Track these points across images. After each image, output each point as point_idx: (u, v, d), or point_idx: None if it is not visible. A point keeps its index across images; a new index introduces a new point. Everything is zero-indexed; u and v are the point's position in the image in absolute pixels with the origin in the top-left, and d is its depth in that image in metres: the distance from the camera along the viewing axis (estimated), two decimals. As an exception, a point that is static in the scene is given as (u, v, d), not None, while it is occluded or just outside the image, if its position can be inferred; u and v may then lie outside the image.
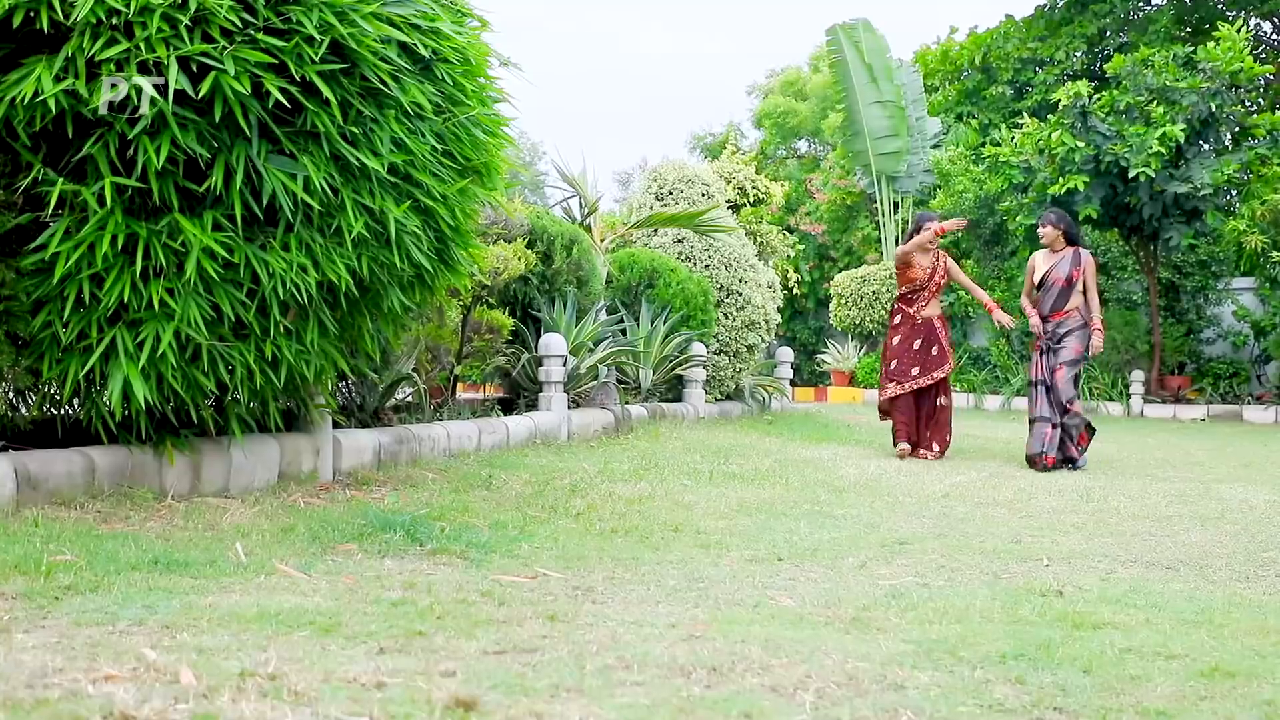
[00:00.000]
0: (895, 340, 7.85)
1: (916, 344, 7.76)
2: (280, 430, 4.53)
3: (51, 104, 3.33)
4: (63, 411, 4.27)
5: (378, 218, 3.92)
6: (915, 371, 7.73)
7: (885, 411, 7.98)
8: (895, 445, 7.74)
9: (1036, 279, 7.52)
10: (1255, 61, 13.71)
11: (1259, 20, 18.77)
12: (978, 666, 2.41)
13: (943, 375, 7.76)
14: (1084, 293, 7.38)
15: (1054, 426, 7.19)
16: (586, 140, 56.62)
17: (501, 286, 7.15)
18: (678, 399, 9.90)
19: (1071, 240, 7.46)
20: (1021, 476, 6.71)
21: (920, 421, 7.75)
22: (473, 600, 2.86)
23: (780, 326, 14.98)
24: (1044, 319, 7.42)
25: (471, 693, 2.03)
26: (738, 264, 10.80)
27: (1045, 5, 19.41)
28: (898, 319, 7.91)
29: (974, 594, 3.22)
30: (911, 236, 7.91)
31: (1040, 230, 7.53)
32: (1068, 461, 7.22)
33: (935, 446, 7.73)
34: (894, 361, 7.81)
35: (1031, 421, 7.34)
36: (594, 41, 65.60)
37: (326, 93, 3.62)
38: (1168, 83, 13.45)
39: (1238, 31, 13.56)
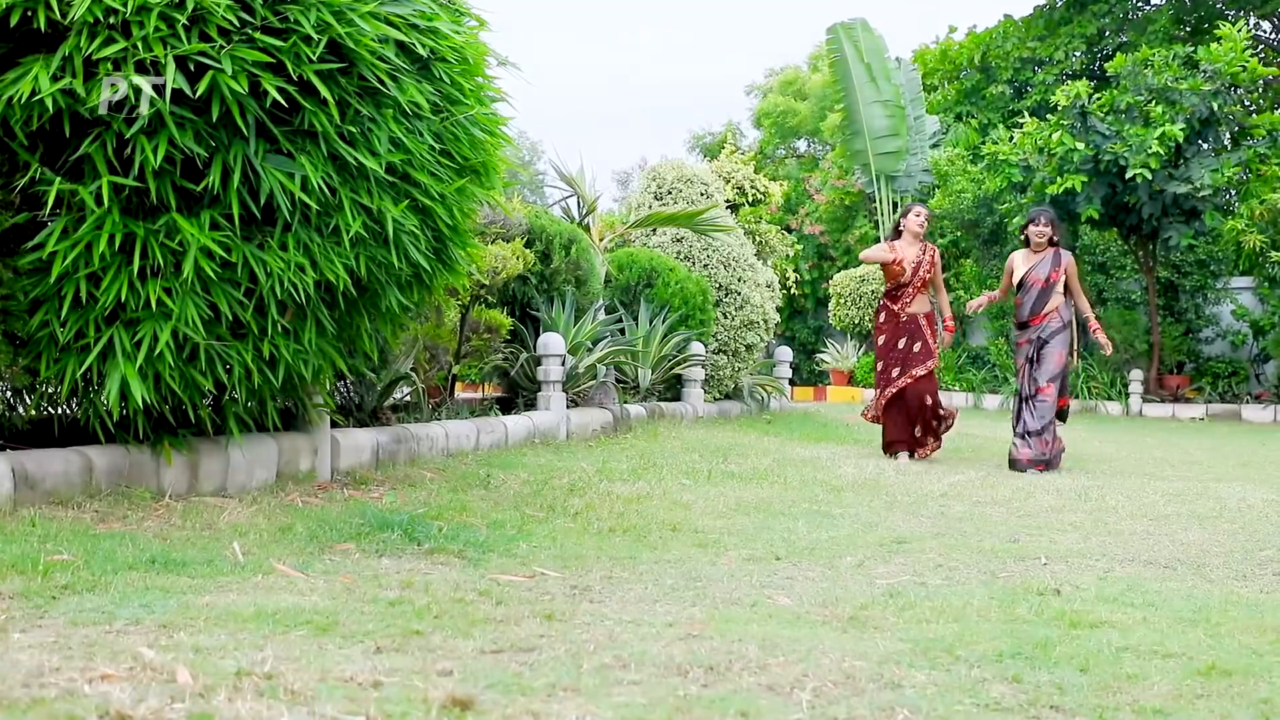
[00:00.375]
0: (881, 340, 7.56)
1: (901, 343, 7.45)
2: (278, 430, 4.53)
3: (49, 103, 3.33)
4: (60, 411, 4.27)
5: (375, 217, 3.92)
6: (896, 373, 7.45)
7: (876, 419, 7.73)
8: (893, 457, 7.46)
9: (1015, 280, 7.33)
10: (1258, 62, 13.70)
11: (1258, 20, 18.79)
12: (974, 665, 2.41)
13: (923, 372, 7.40)
14: (1065, 293, 7.22)
15: (1038, 437, 7.06)
16: (586, 140, 56.66)
17: (500, 286, 7.15)
18: (676, 398, 9.90)
19: (1052, 240, 7.30)
20: (1019, 476, 6.71)
21: (912, 423, 7.47)
22: (470, 599, 2.86)
23: (779, 326, 14.99)
24: (1025, 324, 7.25)
25: (468, 692, 2.03)
26: (736, 263, 10.80)
27: (1044, 5, 19.43)
28: (882, 317, 7.59)
29: (971, 593, 3.22)
30: (898, 224, 7.65)
31: (1036, 229, 7.28)
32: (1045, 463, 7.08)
33: (929, 442, 7.53)
34: (880, 364, 7.56)
35: (1023, 435, 7.13)
36: (593, 41, 65.64)
37: (324, 92, 3.62)
38: (1168, 83, 13.46)
39: (1239, 32, 13.57)
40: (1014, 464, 7.06)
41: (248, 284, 3.71)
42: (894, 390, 7.44)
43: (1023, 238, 7.46)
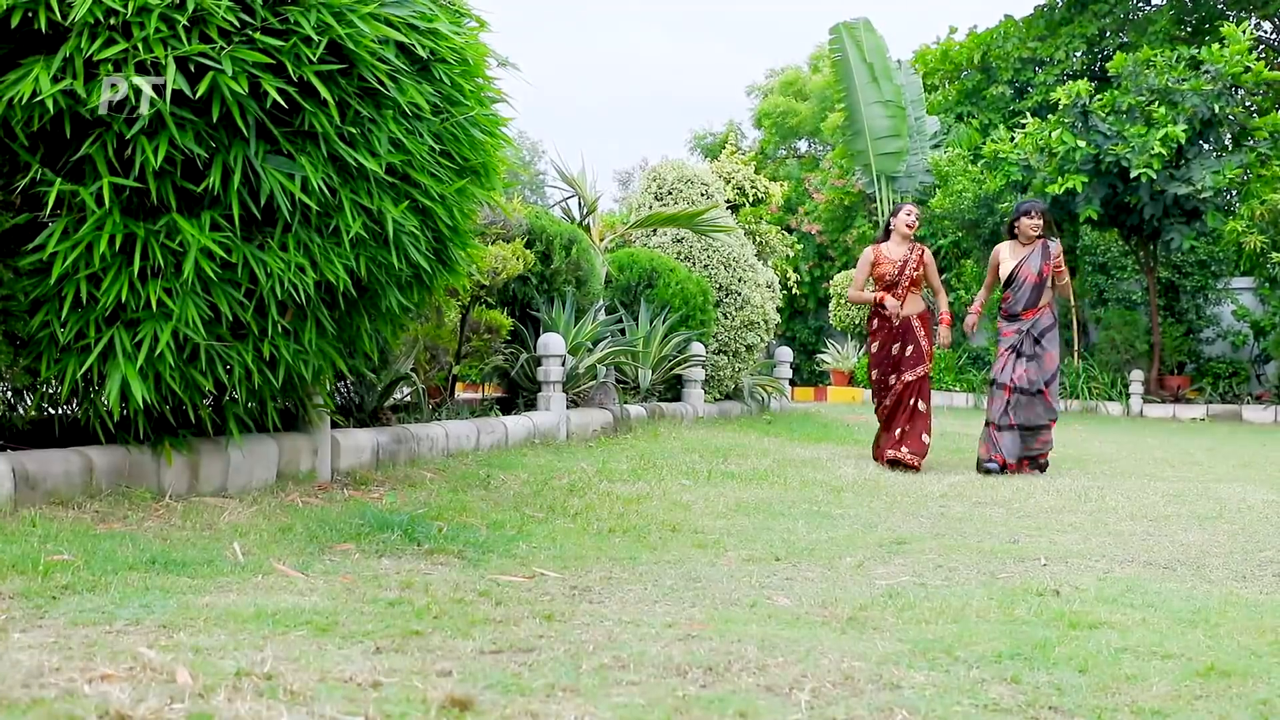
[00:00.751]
0: (874, 346, 7.19)
1: (894, 348, 7.08)
2: (278, 430, 4.53)
3: (50, 104, 3.33)
4: (61, 411, 4.28)
5: (375, 218, 3.93)
6: (893, 380, 7.09)
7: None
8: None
9: (1003, 274, 7.02)
10: (1262, 64, 13.69)
11: (1259, 21, 18.79)
12: (973, 666, 2.41)
13: (914, 377, 7.02)
14: (1052, 287, 6.98)
15: (1030, 433, 6.86)
16: (586, 140, 56.71)
17: (500, 286, 7.15)
18: (677, 399, 9.90)
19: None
20: (1019, 476, 6.71)
21: (897, 424, 7.06)
22: (469, 600, 2.86)
23: (779, 326, 14.99)
24: (1015, 316, 6.97)
25: (467, 692, 2.03)
26: (737, 264, 10.81)
27: (1045, 5, 19.42)
28: (875, 322, 7.19)
29: (970, 594, 3.22)
30: (889, 223, 7.32)
31: (1029, 221, 6.95)
32: (1036, 464, 6.94)
33: (904, 449, 6.94)
34: (875, 371, 7.18)
35: (1009, 428, 6.83)
36: (594, 41, 65.66)
37: (324, 93, 3.62)
38: (1169, 84, 13.46)
39: (1244, 34, 13.56)
40: (999, 467, 6.76)
41: (248, 284, 3.71)
42: (895, 399, 7.08)
43: (1010, 231, 7.15)
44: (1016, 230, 7.10)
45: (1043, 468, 6.99)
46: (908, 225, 7.20)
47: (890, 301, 7.05)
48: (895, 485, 6.05)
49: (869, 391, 8.63)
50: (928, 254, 7.23)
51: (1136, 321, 15.40)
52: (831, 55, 18.14)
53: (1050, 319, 7.01)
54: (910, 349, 7.07)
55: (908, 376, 7.04)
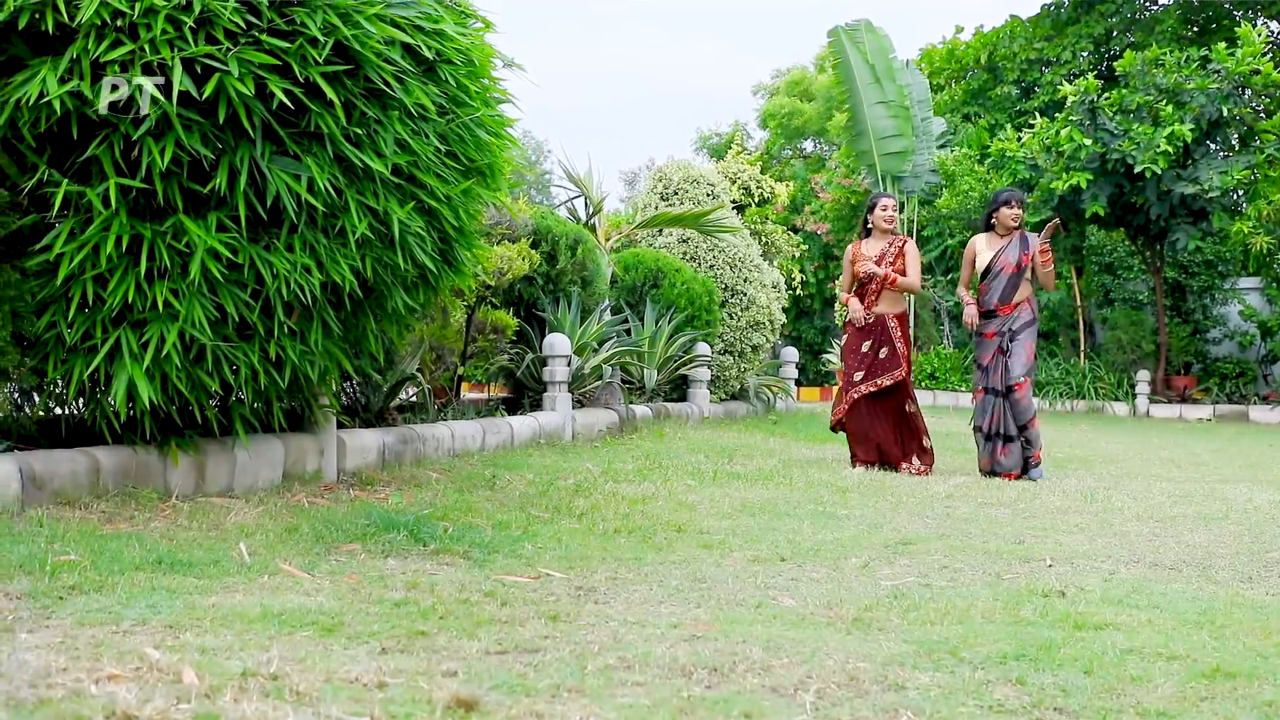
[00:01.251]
0: (845, 339, 6.97)
1: (864, 346, 6.79)
2: (284, 430, 4.54)
3: (56, 105, 3.35)
4: (67, 412, 4.29)
5: (381, 219, 3.93)
6: (858, 377, 6.78)
7: (837, 427, 7.09)
8: (852, 464, 6.84)
9: (980, 266, 6.70)
10: (1271, 65, 13.64)
11: (1266, 20, 18.74)
12: (979, 667, 2.41)
13: (891, 381, 6.73)
14: (1032, 279, 6.70)
15: (1019, 441, 6.57)
16: (593, 140, 56.75)
17: (506, 287, 7.16)
18: (682, 399, 9.91)
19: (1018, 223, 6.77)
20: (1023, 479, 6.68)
21: (896, 430, 6.83)
22: (475, 600, 2.87)
23: (785, 326, 14.98)
24: (992, 312, 6.64)
25: (473, 693, 2.03)
26: (742, 264, 10.81)
27: (1051, 4, 19.39)
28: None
29: (976, 594, 3.22)
30: (866, 217, 7.01)
31: (1010, 211, 6.65)
32: (1027, 472, 6.60)
33: (916, 461, 6.78)
34: (844, 364, 6.92)
35: (999, 437, 6.57)
36: (600, 41, 65.69)
37: (330, 94, 3.63)
38: (1177, 81, 13.43)
39: (1258, 37, 13.53)
40: (991, 474, 6.58)
41: (254, 285, 3.72)
42: (856, 395, 6.79)
43: (987, 222, 6.83)
44: (995, 220, 6.76)
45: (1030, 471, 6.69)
46: (885, 220, 6.91)
47: (854, 305, 6.86)
48: (901, 486, 6.04)
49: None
50: (909, 244, 6.88)
51: (1143, 321, 15.38)
52: (833, 59, 18.13)
53: (1029, 315, 6.68)
54: (884, 351, 6.78)
55: (884, 381, 6.75)
